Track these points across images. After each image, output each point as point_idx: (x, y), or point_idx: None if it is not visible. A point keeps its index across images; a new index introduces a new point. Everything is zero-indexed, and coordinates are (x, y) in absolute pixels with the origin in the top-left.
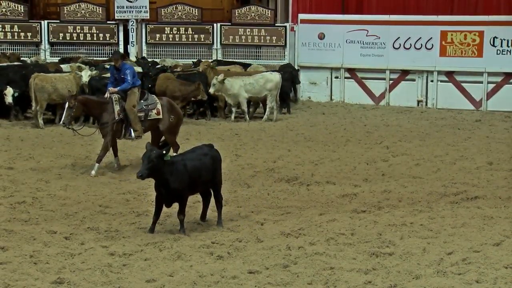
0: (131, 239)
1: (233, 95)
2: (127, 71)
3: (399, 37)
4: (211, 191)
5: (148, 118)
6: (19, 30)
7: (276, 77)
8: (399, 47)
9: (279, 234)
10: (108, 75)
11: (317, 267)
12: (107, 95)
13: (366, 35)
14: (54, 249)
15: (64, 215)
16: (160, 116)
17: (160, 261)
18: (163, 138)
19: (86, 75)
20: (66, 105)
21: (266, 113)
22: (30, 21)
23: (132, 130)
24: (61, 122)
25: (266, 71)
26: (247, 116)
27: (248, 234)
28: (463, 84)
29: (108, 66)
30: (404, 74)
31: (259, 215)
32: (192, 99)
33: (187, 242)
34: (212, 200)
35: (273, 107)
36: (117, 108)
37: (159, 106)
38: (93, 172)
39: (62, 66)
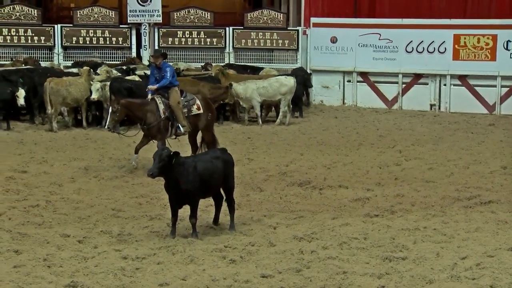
0: (144, 243)
1: (246, 99)
2: (167, 69)
3: (411, 41)
4: (223, 194)
5: (191, 114)
6: (33, 34)
7: (290, 81)
8: (411, 51)
9: (292, 238)
10: (127, 77)
11: (330, 272)
12: (149, 96)
13: (379, 39)
14: (67, 252)
15: (77, 218)
16: (201, 111)
17: (173, 265)
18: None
19: (95, 90)
20: (110, 110)
21: (279, 117)
22: (43, 25)
23: (180, 125)
24: (105, 127)
25: (278, 75)
26: (260, 120)
27: (260, 238)
28: (476, 88)
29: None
30: (417, 77)
31: (271, 219)
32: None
33: (200, 246)
34: (225, 204)
35: (286, 111)
36: (161, 106)
37: (198, 102)
38: None
39: (71, 69)
